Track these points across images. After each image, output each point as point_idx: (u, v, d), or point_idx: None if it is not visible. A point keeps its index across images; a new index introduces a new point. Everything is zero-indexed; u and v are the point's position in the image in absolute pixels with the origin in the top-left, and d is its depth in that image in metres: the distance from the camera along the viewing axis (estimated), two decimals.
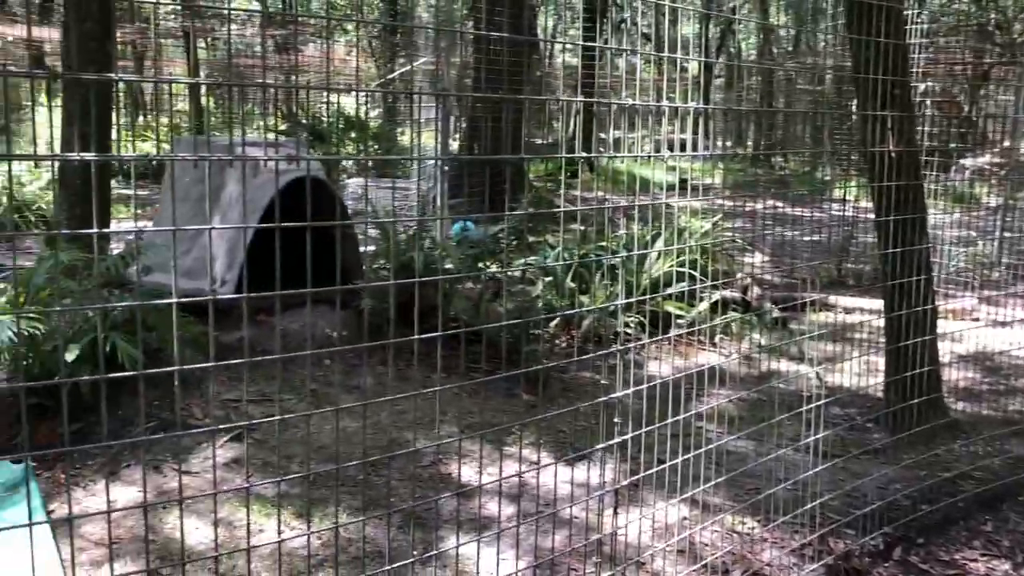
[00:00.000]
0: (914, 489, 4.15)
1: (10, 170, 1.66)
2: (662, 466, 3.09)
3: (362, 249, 6.58)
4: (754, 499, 3.80)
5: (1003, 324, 7.24)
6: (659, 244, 7.02)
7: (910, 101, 4.49)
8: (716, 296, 6.74)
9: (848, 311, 7.25)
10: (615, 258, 5.95)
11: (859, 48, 4.53)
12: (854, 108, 6.75)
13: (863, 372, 5.82)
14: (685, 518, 3.86)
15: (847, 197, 10.58)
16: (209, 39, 23.36)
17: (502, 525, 3.70)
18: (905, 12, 7.07)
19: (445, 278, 4.69)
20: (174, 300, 1.73)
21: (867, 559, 3.69)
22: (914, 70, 10.03)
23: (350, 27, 23.64)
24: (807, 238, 11.75)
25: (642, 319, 6.41)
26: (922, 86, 14.71)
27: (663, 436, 3.23)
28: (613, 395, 2.74)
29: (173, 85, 20.74)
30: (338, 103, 21.10)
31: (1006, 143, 11.89)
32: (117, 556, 3.59)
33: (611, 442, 2.77)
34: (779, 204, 15.63)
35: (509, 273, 6.47)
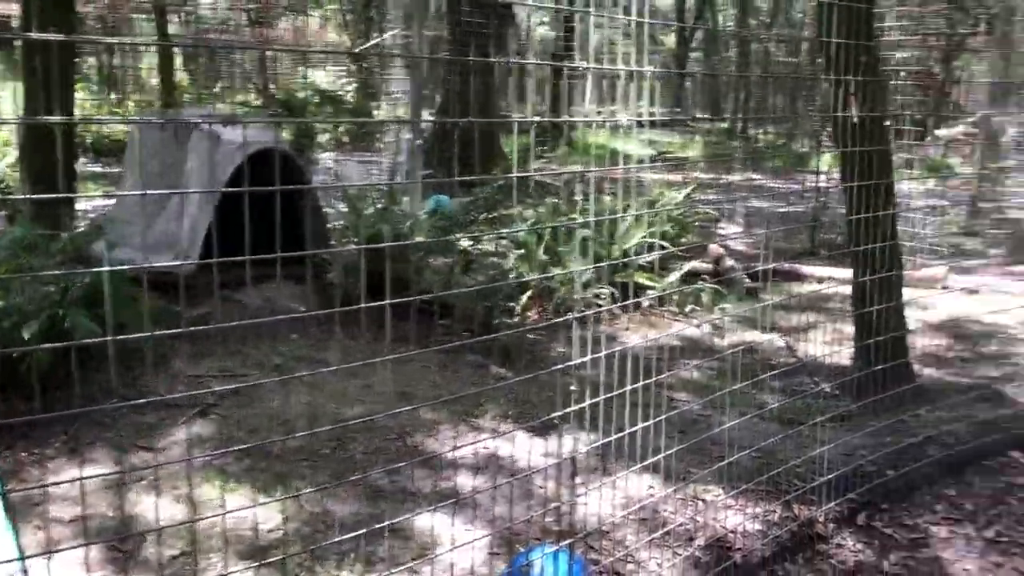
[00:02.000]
0: (879, 455, 4.16)
1: None
2: (622, 434, 3.07)
3: (331, 225, 6.53)
4: (718, 466, 3.80)
5: (972, 292, 7.31)
6: (630, 215, 7.00)
7: (876, 67, 4.46)
8: (686, 267, 6.73)
9: (820, 280, 7.28)
10: (580, 224, 5.91)
11: (825, 13, 4.49)
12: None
13: (833, 340, 5.84)
14: (651, 487, 3.86)
15: (821, 168, 10.59)
16: (182, 14, 23.01)
17: (467, 497, 3.69)
18: None
19: (395, 245, 4.64)
20: (145, 267, 1.67)
21: (831, 525, 3.70)
22: (888, 38, 10.03)
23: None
24: (781, 209, 11.79)
25: (614, 291, 6.40)
26: (898, 55, 14.73)
27: (629, 405, 3.22)
28: (569, 363, 2.71)
29: (145, 61, 20.45)
30: (310, 75, 20.87)
31: (979, 113, 11.93)
32: (78, 535, 3.55)
33: (567, 410, 2.75)
34: (755, 176, 15.71)
35: (480, 246, 6.44)
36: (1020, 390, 5.05)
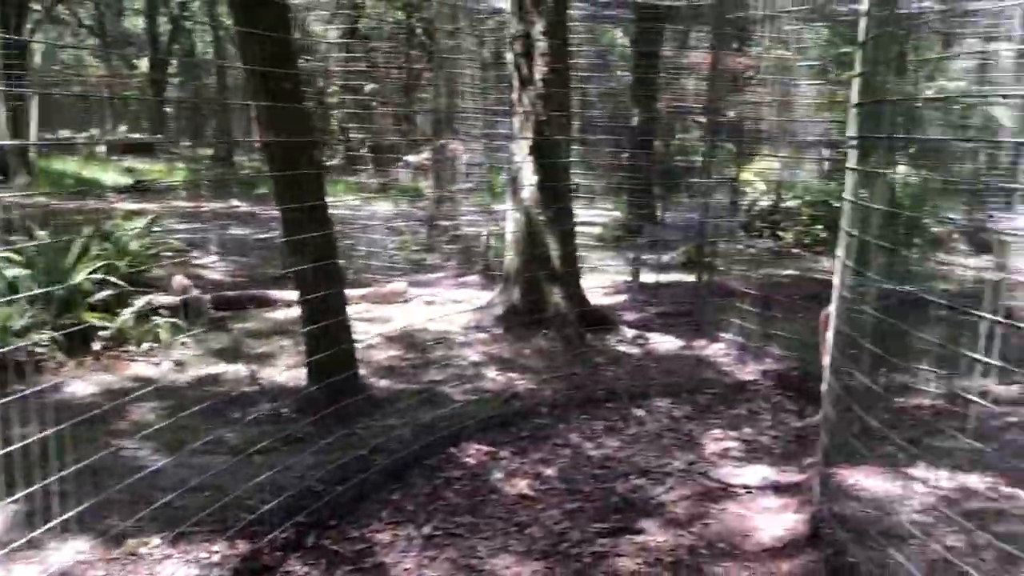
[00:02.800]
0: (329, 471, 4.23)
1: None
2: (18, 497, 2.68)
3: None
4: (156, 511, 3.53)
5: (430, 303, 7.95)
6: (75, 249, 6.39)
7: (297, 95, 4.55)
8: (142, 302, 6.30)
9: (289, 304, 7.32)
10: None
11: (245, 42, 4.48)
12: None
13: (297, 363, 5.89)
14: (81, 552, 3.45)
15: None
16: None
17: None
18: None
19: None
20: None
21: (277, 553, 3.65)
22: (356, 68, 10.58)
23: None
24: (262, 236, 11.76)
25: (56, 336, 5.74)
26: (368, 87, 15.67)
27: (45, 461, 2.84)
28: None
29: None
30: None
31: (438, 141, 13.16)
32: None
33: None
34: (238, 204, 15.51)
35: None
36: (457, 389, 5.55)
